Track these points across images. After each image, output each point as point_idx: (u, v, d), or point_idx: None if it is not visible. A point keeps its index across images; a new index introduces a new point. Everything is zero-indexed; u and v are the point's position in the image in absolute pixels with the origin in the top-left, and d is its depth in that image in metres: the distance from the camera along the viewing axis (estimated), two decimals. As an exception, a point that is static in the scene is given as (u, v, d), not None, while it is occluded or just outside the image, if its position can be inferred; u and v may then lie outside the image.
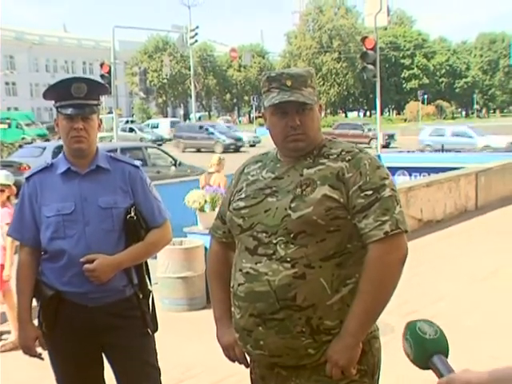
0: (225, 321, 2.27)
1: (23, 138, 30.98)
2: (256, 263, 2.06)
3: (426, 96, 62.70)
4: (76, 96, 2.61)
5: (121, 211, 2.65)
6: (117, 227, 2.65)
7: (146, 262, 2.83)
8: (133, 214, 2.67)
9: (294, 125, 2.08)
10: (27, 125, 35.60)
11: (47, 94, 2.71)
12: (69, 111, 2.61)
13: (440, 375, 1.35)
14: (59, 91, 2.65)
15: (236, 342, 2.21)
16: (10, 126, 35.42)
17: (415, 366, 1.42)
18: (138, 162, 2.88)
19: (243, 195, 2.19)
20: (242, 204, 2.17)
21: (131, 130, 42.60)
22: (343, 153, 2.11)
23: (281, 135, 2.12)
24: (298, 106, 2.07)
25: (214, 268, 2.37)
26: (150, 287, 2.81)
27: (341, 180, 2.04)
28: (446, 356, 1.39)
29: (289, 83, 2.08)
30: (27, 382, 4.37)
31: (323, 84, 68.90)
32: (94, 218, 2.62)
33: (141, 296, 2.74)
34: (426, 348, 1.38)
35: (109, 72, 21.62)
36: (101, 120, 2.76)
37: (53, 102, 2.69)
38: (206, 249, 6.13)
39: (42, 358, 2.76)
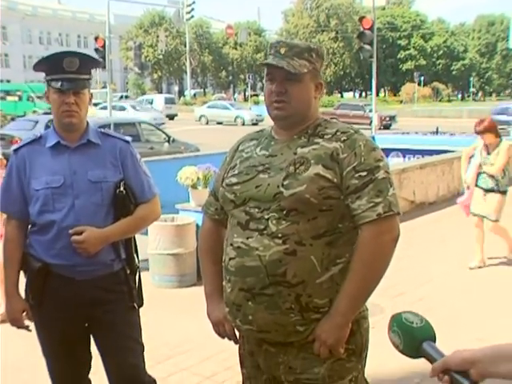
0: (215, 297, 2.28)
1: (34, 111, 29.86)
2: (247, 238, 2.07)
3: (422, 78, 62.51)
4: (68, 70, 2.60)
5: (110, 185, 2.66)
6: (106, 201, 2.65)
7: (135, 238, 2.84)
8: (122, 188, 2.67)
9: (277, 90, 2.10)
10: (39, 97, 33.63)
11: (38, 67, 2.68)
12: (60, 85, 2.59)
13: (433, 360, 1.37)
14: (51, 64, 2.63)
15: (226, 318, 2.22)
16: (20, 99, 34.48)
17: (405, 355, 1.44)
18: (128, 138, 2.86)
19: (236, 171, 2.20)
20: (234, 180, 2.17)
21: (122, 108, 33.45)
22: (338, 133, 2.11)
23: (267, 100, 2.16)
24: (285, 74, 2.08)
25: (206, 244, 2.37)
26: (137, 263, 2.82)
27: (335, 160, 2.04)
28: (434, 342, 1.42)
29: (282, 51, 2.11)
30: (15, 353, 4.38)
31: (319, 63, 68.60)
32: (83, 192, 2.62)
33: (128, 271, 2.76)
34: (415, 336, 1.41)
35: (103, 46, 21.43)
36: (91, 94, 2.74)
37: (43, 74, 2.67)
38: (197, 226, 6.13)
39: (30, 330, 2.78)
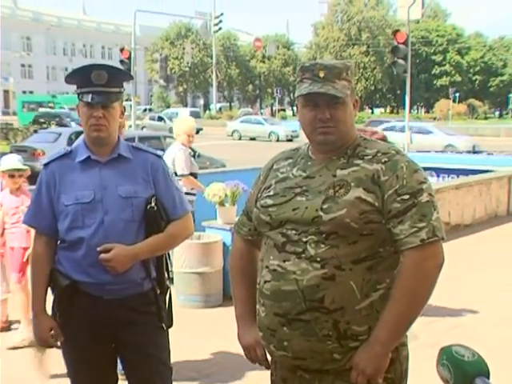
0: (247, 319, 2.28)
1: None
2: (284, 261, 2.06)
3: (457, 94, 62.10)
4: (96, 83, 2.63)
5: (141, 201, 2.67)
6: (136, 217, 2.66)
7: (167, 257, 2.84)
8: (153, 204, 2.68)
9: (324, 117, 2.08)
10: (71, 109, 34.31)
11: (69, 79, 2.74)
12: (89, 98, 2.63)
13: None
14: (80, 77, 2.68)
15: (257, 343, 2.22)
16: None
17: None
18: (160, 152, 2.88)
19: (272, 192, 2.19)
20: (270, 202, 2.17)
21: (160, 118, 41.23)
22: (379, 154, 2.10)
23: (310, 127, 2.13)
24: (329, 99, 2.07)
25: (237, 265, 2.37)
26: (167, 283, 2.82)
27: (376, 183, 2.04)
28: (488, 378, 1.39)
29: (321, 74, 2.09)
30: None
31: (350, 78, 68.61)
32: (113, 208, 2.64)
33: (158, 291, 2.76)
34: (467, 371, 1.39)
35: (129, 58, 21.69)
36: (124, 108, 2.78)
37: (75, 87, 2.72)
38: (224, 244, 6.15)
39: (59, 347, 2.78)
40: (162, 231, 2.72)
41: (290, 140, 36.07)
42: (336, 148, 2.13)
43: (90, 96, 2.62)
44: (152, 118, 40.80)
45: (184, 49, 58.64)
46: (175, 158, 6.49)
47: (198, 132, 40.21)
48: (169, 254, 2.88)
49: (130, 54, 21.81)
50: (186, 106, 68.60)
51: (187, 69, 67.68)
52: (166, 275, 2.82)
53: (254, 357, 2.30)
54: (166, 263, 2.84)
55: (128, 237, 2.64)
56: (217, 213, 6.40)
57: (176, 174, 6.22)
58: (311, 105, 2.11)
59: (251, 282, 2.23)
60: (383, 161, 2.07)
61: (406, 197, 2.01)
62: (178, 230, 2.78)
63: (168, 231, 2.73)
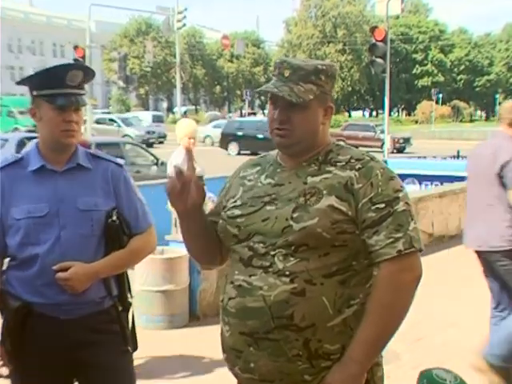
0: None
1: (16, 129, 29.18)
2: (250, 276, 2.10)
3: (440, 95, 62.70)
4: (69, 85, 2.61)
5: (101, 214, 2.67)
6: (96, 232, 2.66)
7: (126, 272, 2.85)
8: (115, 217, 2.69)
9: (279, 119, 2.15)
10: (21, 113, 32.73)
11: (32, 80, 2.68)
12: (61, 101, 2.59)
13: None
14: (52, 78, 2.62)
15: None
16: (0, 114, 33.99)
17: None
18: (121, 161, 2.87)
19: (239, 202, 2.23)
20: (237, 212, 2.20)
21: (111, 121, 38.56)
22: (352, 160, 2.15)
23: (269, 127, 2.21)
24: (289, 100, 2.12)
25: None
26: (130, 299, 2.82)
27: (349, 191, 2.08)
28: None
29: (286, 74, 2.15)
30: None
31: (325, 78, 69.12)
32: (71, 222, 2.62)
33: (120, 308, 2.75)
34: None
35: (83, 56, 21.55)
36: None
37: (30, 88, 2.66)
38: (190, 259, 6.15)
39: (7, 376, 2.73)
40: (124, 246, 2.72)
41: None
42: (297, 152, 2.18)
43: (63, 99, 2.59)
44: (99, 121, 37.32)
45: (145, 47, 58.30)
46: (172, 161, 6.84)
47: (161, 142, 40.31)
48: (126, 273, 2.87)
49: (85, 52, 21.68)
50: (147, 109, 68.42)
51: (149, 69, 67.56)
52: (128, 292, 2.82)
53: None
54: (127, 279, 2.84)
55: (87, 253, 2.63)
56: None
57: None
58: (273, 103, 2.18)
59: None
60: (357, 167, 2.12)
61: (382, 205, 2.06)
62: (141, 244, 2.78)
63: (131, 246, 2.74)
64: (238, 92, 75.40)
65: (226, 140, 32.60)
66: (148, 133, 38.11)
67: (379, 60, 18.21)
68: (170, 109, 71.85)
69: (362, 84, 72.35)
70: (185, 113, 61.50)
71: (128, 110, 60.56)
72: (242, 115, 66.47)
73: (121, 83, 33.53)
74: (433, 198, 10.28)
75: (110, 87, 74.26)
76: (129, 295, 2.82)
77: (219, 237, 2.28)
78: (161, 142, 39.25)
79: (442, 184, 12.95)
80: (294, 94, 2.11)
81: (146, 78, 71.36)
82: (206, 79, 75.87)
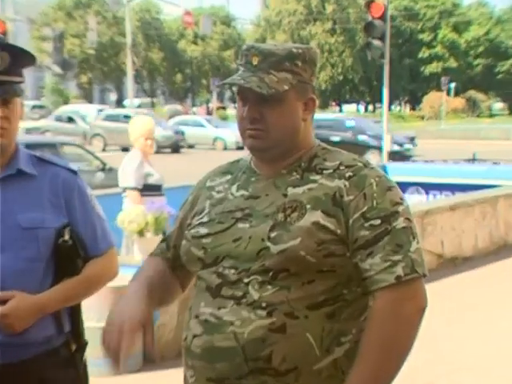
0: (140, 293, 2.23)
1: None
2: (219, 308, 2.11)
3: (452, 85, 62.82)
4: None
5: (50, 233, 2.63)
6: (44, 255, 2.62)
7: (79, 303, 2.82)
8: (67, 237, 2.66)
9: (250, 117, 2.17)
10: None
11: None
12: None
13: None
14: None
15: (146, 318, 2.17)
16: None
17: None
18: (75, 167, 2.84)
19: (206, 219, 2.25)
20: (203, 231, 2.22)
21: (70, 119, 40.39)
22: (342, 167, 2.17)
23: (239, 127, 2.23)
24: (258, 95, 2.15)
25: (146, 267, 2.41)
26: (85, 338, 2.80)
27: (338, 204, 2.11)
28: None
29: (254, 61, 2.18)
30: None
31: (311, 64, 69.23)
32: (11, 243, 2.57)
33: (74, 347, 2.73)
34: None
35: (4, 32, 21.15)
36: (22, 104, 2.70)
37: None
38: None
39: None
40: (79, 272, 2.69)
41: (242, 148, 36.31)
42: (274, 157, 2.21)
43: None
44: (58, 119, 39.94)
45: (87, 23, 58.11)
46: (124, 167, 6.90)
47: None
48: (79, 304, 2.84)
49: (7, 26, 21.36)
50: (91, 101, 68.10)
51: (92, 51, 67.20)
52: (83, 328, 2.80)
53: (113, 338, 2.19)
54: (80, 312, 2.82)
55: (32, 282, 2.59)
56: (134, 246, 6.40)
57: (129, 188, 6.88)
58: (242, 98, 2.22)
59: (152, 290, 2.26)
60: (347, 176, 2.14)
61: (377, 222, 2.08)
62: (99, 270, 2.75)
63: (86, 272, 2.71)
64: (204, 81, 75.40)
65: None
66: (177, 133, 37.41)
67: (377, 42, 18.29)
68: (119, 101, 71.68)
69: (355, 72, 72.67)
70: (139, 107, 61.47)
71: (66, 103, 60.05)
72: (208, 111, 66.57)
73: (56, 69, 33.30)
74: (442, 211, 10.33)
75: (42, 73, 73.56)
76: (83, 332, 2.80)
77: (181, 266, 2.32)
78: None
79: (453, 194, 13.03)
80: (265, 85, 2.13)
81: (88, 62, 71.06)
82: (164, 65, 75.85)
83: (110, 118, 38.24)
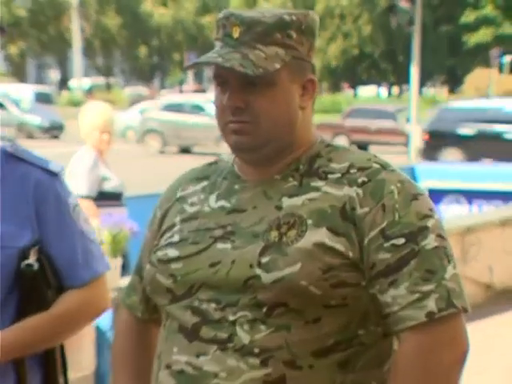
0: None
1: None
2: (198, 355, 2.11)
3: (505, 58, 62.63)
4: None
5: (12, 254, 2.60)
6: (3, 283, 2.61)
7: (62, 349, 2.82)
8: (32, 259, 2.62)
9: (232, 105, 2.17)
10: None
11: None
12: None
13: None
14: None
15: None
16: None
17: None
18: (57, 166, 2.78)
19: (176, 238, 2.25)
20: (172, 253, 2.23)
21: None
22: (353, 170, 2.17)
23: (219, 120, 2.23)
24: (244, 76, 2.15)
25: (121, 349, 2.44)
26: None
27: (349, 219, 2.11)
28: None
29: (235, 33, 2.17)
30: None
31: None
32: None
33: None
34: None
35: None
36: None
37: None
38: (98, 330, 6.16)
39: None
40: (48, 307, 2.65)
41: None
42: (265, 158, 2.21)
43: None
44: None
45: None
46: (73, 170, 6.97)
47: (56, 136, 40.21)
48: (62, 346, 2.83)
49: None
50: (24, 80, 67.85)
51: (25, 13, 66.99)
52: (63, 381, 2.79)
53: None
54: (63, 360, 2.81)
55: None
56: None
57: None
58: (221, 83, 2.21)
59: (142, 378, 2.32)
60: (360, 181, 2.14)
61: (401, 241, 2.08)
62: (76, 306, 2.71)
63: (58, 308, 2.67)
64: (177, 56, 75.39)
65: (436, 145, 28.66)
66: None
67: (404, 3, 18.39)
68: (63, 82, 71.54)
69: (375, 43, 72.78)
70: (89, 90, 61.40)
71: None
72: (181, 93, 66.39)
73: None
74: (491, 228, 10.38)
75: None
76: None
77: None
78: (55, 137, 39.35)
79: (505, 204, 13.04)
80: (250, 63, 2.12)
81: (20, 28, 70.69)
82: (122, 34, 75.73)
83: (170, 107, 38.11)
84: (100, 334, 6.19)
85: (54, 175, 2.72)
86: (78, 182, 6.92)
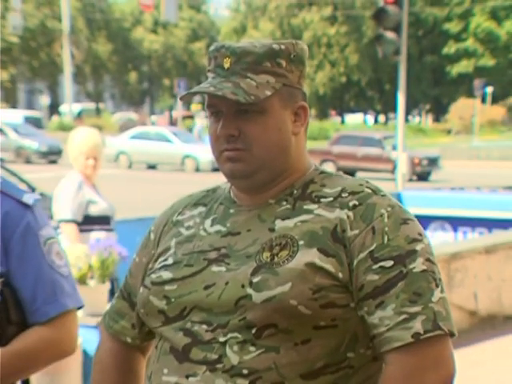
0: None
1: None
2: (187, 376, 2.10)
3: (488, 89, 62.89)
4: None
5: None
6: None
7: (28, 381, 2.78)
8: None
9: (226, 134, 2.18)
10: None
11: None
12: None
13: None
14: None
15: None
16: None
17: None
18: (31, 197, 2.74)
19: (170, 260, 2.25)
20: (166, 275, 2.22)
21: None
22: (344, 194, 2.18)
23: (214, 149, 2.24)
24: (235, 105, 2.16)
25: (103, 377, 2.41)
26: None
27: (340, 241, 2.11)
28: None
29: (226, 64, 2.20)
30: None
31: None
32: None
33: None
34: None
35: None
36: None
37: None
38: (85, 354, 6.13)
39: None
40: (7, 343, 2.60)
41: (218, 169, 36.51)
42: (259, 184, 2.22)
43: None
44: None
45: (7, 2, 58.05)
46: (58, 194, 7.00)
47: (53, 161, 40.08)
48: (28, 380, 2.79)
49: None
50: (14, 106, 67.83)
51: (16, 39, 66.99)
52: None
53: None
54: None
55: None
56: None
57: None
58: (214, 113, 2.22)
59: None
60: (351, 205, 2.15)
61: (389, 263, 2.09)
62: (38, 344, 2.65)
63: (17, 345, 2.61)
64: (166, 82, 75.47)
65: None
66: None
67: (390, 34, 18.42)
68: (54, 107, 71.53)
69: (362, 72, 72.94)
70: (79, 114, 61.40)
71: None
72: (171, 120, 66.43)
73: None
74: (476, 255, 10.37)
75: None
76: None
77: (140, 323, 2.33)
78: (53, 162, 39.39)
79: (490, 231, 13.06)
80: (241, 91, 2.14)
81: (10, 54, 70.65)
82: (113, 60, 75.84)
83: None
84: (87, 357, 6.16)
85: (27, 207, 2.68)
86: (62, 206, 6.99)
